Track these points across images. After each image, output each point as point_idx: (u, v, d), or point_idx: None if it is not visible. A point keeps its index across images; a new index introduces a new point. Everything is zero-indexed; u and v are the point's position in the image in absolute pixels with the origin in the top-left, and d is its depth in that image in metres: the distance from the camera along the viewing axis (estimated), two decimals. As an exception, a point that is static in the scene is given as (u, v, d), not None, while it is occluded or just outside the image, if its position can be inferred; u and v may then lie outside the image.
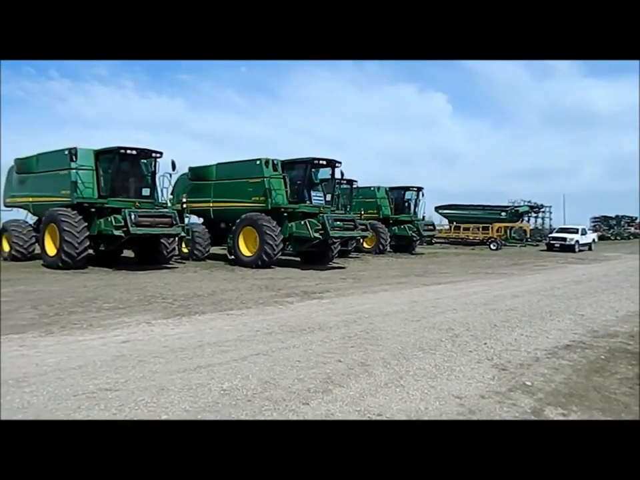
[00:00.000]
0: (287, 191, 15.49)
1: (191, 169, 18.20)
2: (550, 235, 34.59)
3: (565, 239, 31.29)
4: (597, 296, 10.71)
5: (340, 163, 16.28)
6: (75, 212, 13.70)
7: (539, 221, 47.00)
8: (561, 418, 3.74)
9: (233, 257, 16.22)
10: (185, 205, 17.03)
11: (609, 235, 55.39)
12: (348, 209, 20.10)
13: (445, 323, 7.25)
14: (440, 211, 41.08)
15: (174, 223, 14.35)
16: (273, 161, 15.69)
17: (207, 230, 17.29)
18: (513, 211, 40.63)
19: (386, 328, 6.82)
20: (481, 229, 35.86)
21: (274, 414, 3.66)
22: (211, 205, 17.30)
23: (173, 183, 16.81)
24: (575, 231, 32.53)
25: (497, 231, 35.25)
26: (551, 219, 48.06)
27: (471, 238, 35.91)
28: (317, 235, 15.00)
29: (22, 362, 4.81)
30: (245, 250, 15.74)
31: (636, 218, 71.88)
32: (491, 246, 32.36)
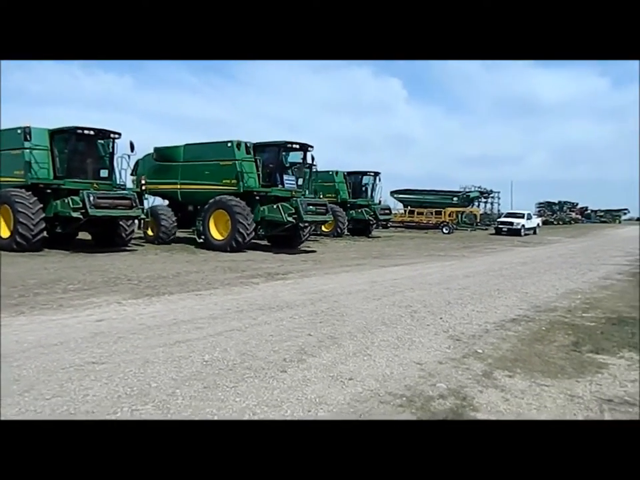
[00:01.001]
0: (258, 174, 15.34)
1: (156, 149, 17.65)
2: (498, 220, 36.24)
3: (512, 224, 32.91)
4: (540, 276, 11.59)
5: (312, 147, 16.24)
6: (30, 193, 13.33)
7: (488, 206, 49.06)
8: (508, 379, 4.29)
9: (202, 240, 15.97)
10: (144, 187, 16.88)
11: (552, 220, 58.46)
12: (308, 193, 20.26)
13: (403, 301, 7.78)
14: (395, 196, 42.07)
15: (133, 204, 14.22)
16: (246, 143, 15.48)
17: (173, 212, 16.86)
18: (464, 196, 42.23)
19: (350, 305, 7.26)
20: (434, 213, 37.07)
21: (255, 380, 4.02)
22: (179, 186, 16.85)
23: (134, 163, 16.66)
24: (521, 216, 34.26)
25: (449, 215, 36.55)
26: (499, 204, 50.29)
27: (425, 222, 37.07)
28: (290, 219, 14.99)
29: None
30: (215, 233, 15.51)
31: (577, 204, 76.14)
32: (444, 230, 33.55)
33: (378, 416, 3.43)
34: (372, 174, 25.99)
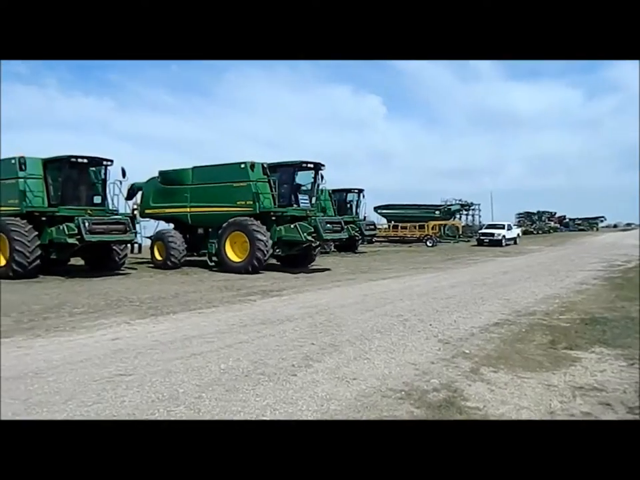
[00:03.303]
0: (273, 195, 15.33)
1: (161, 172, 17.66)
2: (480, 231, 37.20)
3: (493, 235, 33.86)
4: (521, 283, 12.26)
5: (324, 165, 16.38)
6: (25, 221, 13.66)
7: (470, 218, 50.01)
8: (493, 374, 4.84)
9: (213, 263, 15.95)
10: (135, 212, 17.28)
11: (532, 230, 59.93)
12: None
13: (394, 311, 8.32)
14: (379, 211, 42.87)
15: (127, 229, 14.63)
16: (262, 164, 15.59)
17: (181, 236, 16.64)
18: (446, 209, 43.18)
19: (345, 317, 7.78)
20: (417, 227, 37.88)
21: (270, 383, 4.51)
22: (189, 210, 16.63)
23: (128, 187, 17.09)
24: (502, 227, 35.28)
25: (432, 228, 37.41)
26: (480, 216, 51.26)
27: (409, 236, 37.82)
28: (309, 237, 14.98)
29: (28, 359, 5.31)
30: (232, 255, 15.36)
31: (555, 213, 78.13)
32: (427, 243, 34.33)
33: (382, 407, 3.94)
34: (356, 191, 26.74)
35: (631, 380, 4.68)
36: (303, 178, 16.65)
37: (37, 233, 13.69)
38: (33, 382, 4.50)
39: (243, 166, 15.49)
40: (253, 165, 15.34)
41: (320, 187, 17.43)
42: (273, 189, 15.38)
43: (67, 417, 3.71)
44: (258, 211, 15.22)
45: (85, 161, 14.46)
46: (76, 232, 13.63)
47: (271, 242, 14.96)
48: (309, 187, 16.70)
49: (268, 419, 3.69)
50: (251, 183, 15.37)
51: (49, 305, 9.14)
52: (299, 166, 16.10)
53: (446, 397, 4.19)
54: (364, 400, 4.09)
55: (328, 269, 16.41)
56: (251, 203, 15.33)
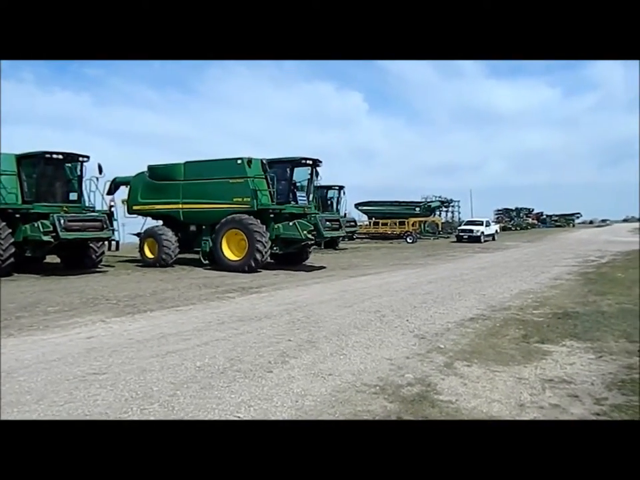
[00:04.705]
0: (270, 192, 14.95)
1: (150, 167, 17.01)
2: (459, 228, 37.65)
3: (472, 231, 34.31)
4: (497, 279, 12.46)
5: (321, 162, 16.07)
6: (-2, 218, 13.38)
7: (449, 214, 50.49)
8: (466, 368, 4.92)
9: (207, 261, 15.73)
10: (112, 209, 16.99)
11: (510, 226, 60.84)
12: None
13: (372, 307, 8.39)
14: (360, 208, 42.99)
15: (104, 226, 14.43)
16: (261, 160, 15.13)
17: (173, 233, 16.07)
18: (426, 206, 43.54)
19: (323, 313, 7.81)
20: (397, 224, 38.13)
21: (246, 380, 4.52)
22: (181, 206, 16.08)
23: (109, 183, 16.95)
24: (481, 223, 35.79)
25: (412, 225, 37.71)
26: (459, 213, 51.78)
27: (389, 232, 38.06)
28: (309, 235, 14.71)
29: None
30: (229, 254, 15.03)
31: (533, 209, 79.39)
32: (407, 239, 34.60)
33: (356, 402, 3.98)
34: (337, 188, 26.77)
35: (598, 372, 4.81)
36: (299, 174, 16.28)
37: (10, 230, 13.40)
38: (4, 382, 4.42)
39: (239, 162, 15.02)
40: (250, 161, 14.87)
41: (315, 184, 17.02)
42: (271, 186, 15.03)
43: (38, 417, 3.67)
44: (255, 208, 14.82)
45: (60, 157, 14.18)
46: (51, 229, 13.38)
47: (269, 240, 14.65)
48: (305, 183, 16.38)
49: (248, 418, 3.67)
50: (248, 179, 14.93)
51: (23, 304, 8.98)
52: (297, 162, 15.80)
53: (419, 391, 4.25)
54: (338, 395, 4.13)
55: (324, 267, 16.26)
56: (248, 199, 14.90)
